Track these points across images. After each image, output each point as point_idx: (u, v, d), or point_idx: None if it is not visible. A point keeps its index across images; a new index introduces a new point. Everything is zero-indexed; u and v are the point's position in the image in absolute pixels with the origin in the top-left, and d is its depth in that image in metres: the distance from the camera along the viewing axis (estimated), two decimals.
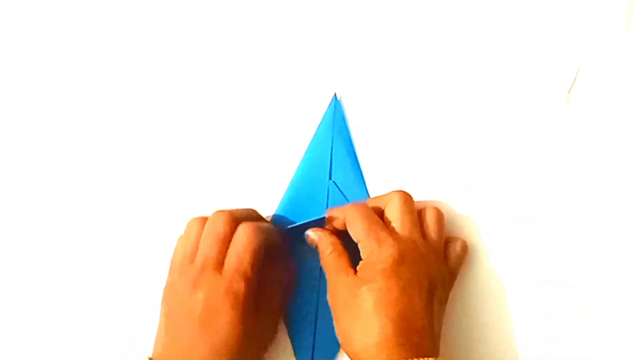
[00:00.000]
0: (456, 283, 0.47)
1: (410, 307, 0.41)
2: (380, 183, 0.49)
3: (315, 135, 0.50)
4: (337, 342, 0.44)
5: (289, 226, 0.47)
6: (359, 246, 0.44)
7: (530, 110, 0.49)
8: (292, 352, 0.47)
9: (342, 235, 0.45)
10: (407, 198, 0.45)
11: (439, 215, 0.46)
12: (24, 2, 0.53)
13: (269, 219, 0.49)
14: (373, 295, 0.41)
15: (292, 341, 0.47)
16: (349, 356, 0.42)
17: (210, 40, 0.52)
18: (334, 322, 0.43)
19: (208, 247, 0.43)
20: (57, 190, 0.50)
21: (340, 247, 0.45)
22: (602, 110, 0.48)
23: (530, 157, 0.48)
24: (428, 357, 0.40)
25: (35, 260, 0.49)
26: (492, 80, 0.49)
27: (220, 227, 0.44)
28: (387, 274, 0.42)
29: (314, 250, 0.47)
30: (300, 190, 0.49)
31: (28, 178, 0.51)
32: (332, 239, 0.45)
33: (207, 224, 0.44)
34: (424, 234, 0.45)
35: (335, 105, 0.51)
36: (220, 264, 0.43)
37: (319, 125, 0.50)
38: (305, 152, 0.50)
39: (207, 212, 0.45)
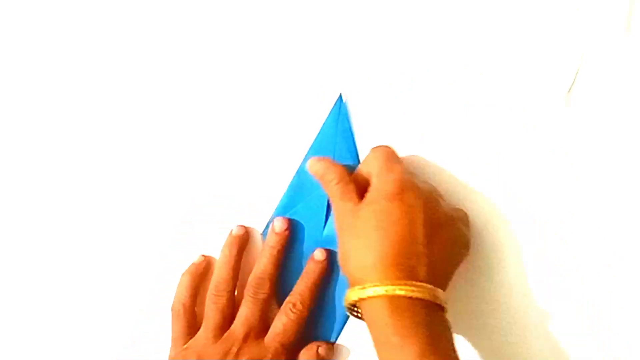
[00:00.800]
0: (456, 283, 0.46)
1: (410, 230, 0.40)
2: None
3: (318, 135, 0.50)
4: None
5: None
6: (371, 178, 0.43)
7: (530, 110, 0.49)
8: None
9: None
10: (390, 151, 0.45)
11: None
12: (24, 2, 0.53)
13: (268, 220, 0.49)
14: (375, 215, 0.41)
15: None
16: (347, 275, 0.42)
17: (216, 42, 0.52)
18: (338, 248, 0.43)
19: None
20: (57, 190, 0.50)
21: (347, 177, 0.44)
22: (602, 110, 0.48)
23: (530, 157, 0.48)
24: (422, 282, 0.39)
25: (36, 261, 0.49)
26: (492, 80, 0.49)
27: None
28: (391, 197, 0.41)
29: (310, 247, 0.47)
30: (300, 191, 0.49)
31: (28, 178, 0.51)
32: (339, 168, 0.44)
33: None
34: None
35: (341, 106, 0.50)
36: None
37: (322, 126, 0.50)
38: (308, 152, 0.50)
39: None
